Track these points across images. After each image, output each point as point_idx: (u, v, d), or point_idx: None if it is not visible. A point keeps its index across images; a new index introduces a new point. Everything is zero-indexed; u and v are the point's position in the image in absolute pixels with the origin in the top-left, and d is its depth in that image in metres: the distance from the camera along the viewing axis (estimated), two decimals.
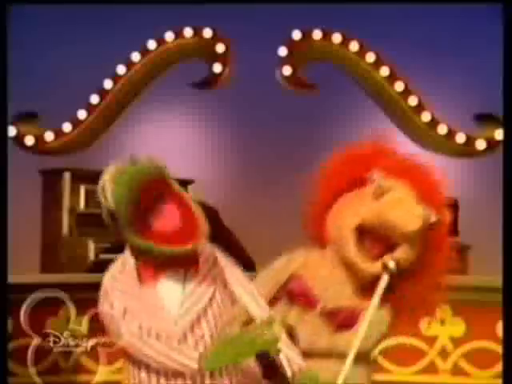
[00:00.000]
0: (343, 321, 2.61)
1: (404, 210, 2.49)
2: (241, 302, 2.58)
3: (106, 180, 2.50)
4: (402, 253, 2.55)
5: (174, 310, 2.53)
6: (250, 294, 2.60)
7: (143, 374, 2.52)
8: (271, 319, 2.38)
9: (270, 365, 2.35)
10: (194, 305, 2.55)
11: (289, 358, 2.44)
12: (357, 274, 2.62)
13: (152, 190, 2.48)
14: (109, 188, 2.47)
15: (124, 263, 2.61)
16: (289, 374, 2.39)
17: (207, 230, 2.52)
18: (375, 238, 2.58)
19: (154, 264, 2.51)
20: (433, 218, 2.53)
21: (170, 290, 2.54)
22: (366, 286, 2.62)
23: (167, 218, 2.48)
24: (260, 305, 2.58)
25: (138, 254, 2.53)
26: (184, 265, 2.53)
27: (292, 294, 2.63)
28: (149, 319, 2.51)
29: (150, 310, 2.52)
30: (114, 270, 2.63)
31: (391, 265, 2.49)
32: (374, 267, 2.56)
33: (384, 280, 2.50)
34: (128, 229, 2.46)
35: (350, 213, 2.59)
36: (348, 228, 2.57)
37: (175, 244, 2.45)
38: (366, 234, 2.58)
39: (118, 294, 2.55)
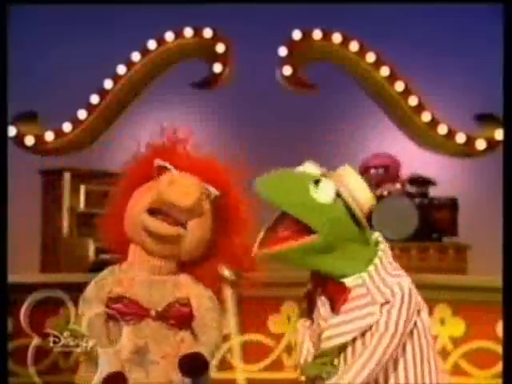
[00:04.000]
0: (177, 318, 2.65)
1: (178, 188, 2.62)
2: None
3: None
4: (191, 230, 2.66)
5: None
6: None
7: None
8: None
9: None
10: (333, 337, 2.43)
11: None
12: (166, 254, 2.68)
13: None
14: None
15: None
16: None
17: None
18: (166, 219, 2.66)
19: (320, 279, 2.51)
20: (213, 194, 2.71)
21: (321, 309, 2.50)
22: (183, 265, 2.71)
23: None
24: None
25: None
26: (331, 298, 2.48)
27: (120, 314, 2.60)
28: None
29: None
30: None
31: (226, 273, 2.63)
32: (172, 229, 2.64)
33: (228, 294, 2.61)
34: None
35: (140, 202, 2.68)
36: (139, 213, 2.64)
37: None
38: (157, 215, 2.65)
39: None
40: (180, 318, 2.62)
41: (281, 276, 4.77)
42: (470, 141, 6.40)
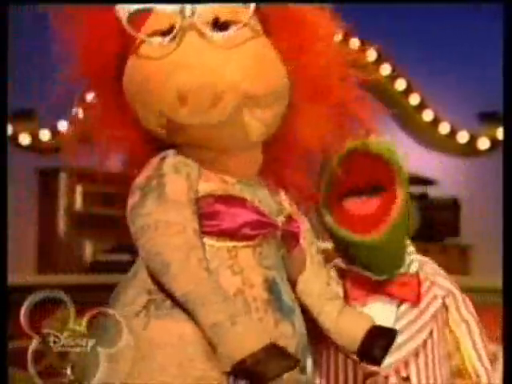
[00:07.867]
0: (297, 235, 1.75)
1: None
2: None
3: None
4: None
5: None
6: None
7: None
8: None
9: None
10: (404, 343, 2.10)
11: None
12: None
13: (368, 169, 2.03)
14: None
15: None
16: None
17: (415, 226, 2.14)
18: None
19: (366, 284, 2.10)
20: None
21: (378, 318, 2.01)
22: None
23: (365, 204, 2.04)
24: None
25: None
26: (401, 294, 2.14)
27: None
28: None
29: None
30: None
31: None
32: None
33: None
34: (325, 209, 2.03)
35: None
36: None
37: (357, 231, 1.98)
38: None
39: None
40: (298, 235, 1.73)
41: None
42: (473, 140, 6.38)
